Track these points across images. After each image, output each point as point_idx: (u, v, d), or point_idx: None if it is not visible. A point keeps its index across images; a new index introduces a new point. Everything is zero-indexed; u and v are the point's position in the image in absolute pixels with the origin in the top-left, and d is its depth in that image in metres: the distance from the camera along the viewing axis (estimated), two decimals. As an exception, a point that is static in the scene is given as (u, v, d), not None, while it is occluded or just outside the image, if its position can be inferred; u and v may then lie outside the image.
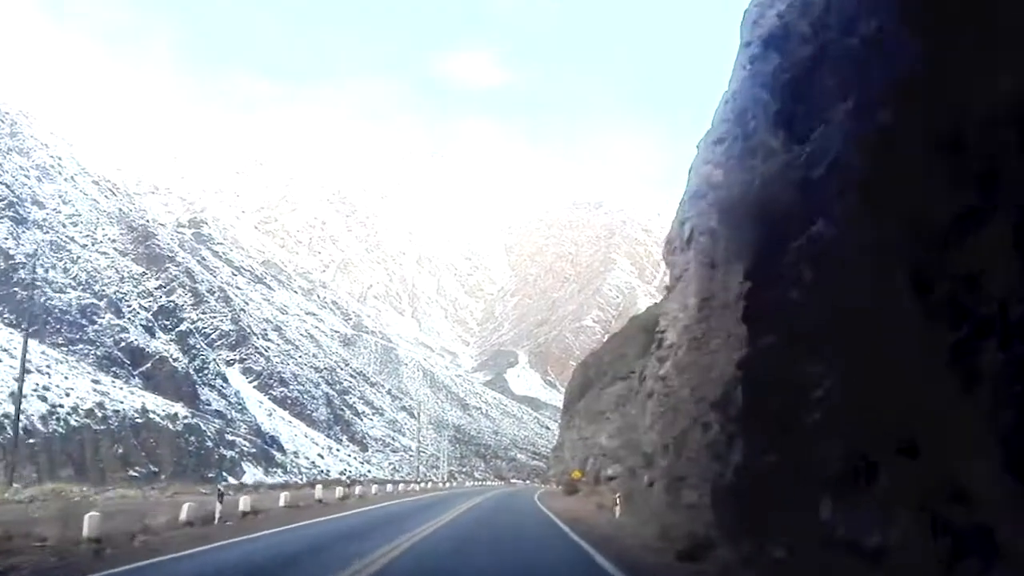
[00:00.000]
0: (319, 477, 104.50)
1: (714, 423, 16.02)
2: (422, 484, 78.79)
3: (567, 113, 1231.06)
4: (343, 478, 75.08)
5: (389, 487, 59.01)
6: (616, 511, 26.81)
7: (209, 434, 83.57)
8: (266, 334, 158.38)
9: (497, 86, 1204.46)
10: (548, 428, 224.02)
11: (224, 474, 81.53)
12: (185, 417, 79.91)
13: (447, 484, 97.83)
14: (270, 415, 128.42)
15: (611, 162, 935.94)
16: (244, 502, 25.41)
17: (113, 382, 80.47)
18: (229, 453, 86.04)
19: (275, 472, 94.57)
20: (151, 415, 74.68)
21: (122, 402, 73.48)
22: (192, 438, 78.83)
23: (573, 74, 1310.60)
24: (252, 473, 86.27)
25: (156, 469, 70.39)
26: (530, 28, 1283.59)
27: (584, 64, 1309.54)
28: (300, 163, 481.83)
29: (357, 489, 48.37)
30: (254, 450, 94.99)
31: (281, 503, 30.29)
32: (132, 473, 67.50)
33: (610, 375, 54.56)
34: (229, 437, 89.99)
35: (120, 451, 68.90)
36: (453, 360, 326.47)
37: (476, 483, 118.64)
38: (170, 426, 75.82)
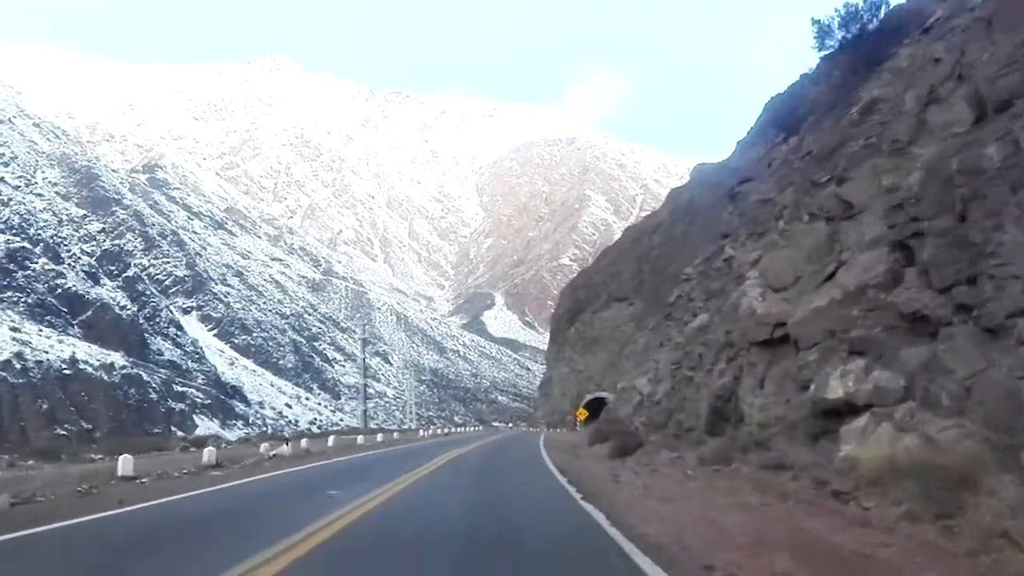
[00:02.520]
0: (285, 428, 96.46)
1: None
2: (364, 438, 48.73)
3: (538, 46, 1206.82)
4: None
5: (304, 443, 30.55)
6: None
7: (154, 385, 74.49)
8: (225, 279, 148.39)
9: (461, 21, 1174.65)
10: (529, 369, 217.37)
11: (173, 428, 72.85)
12: (123, 367, 70.67)
13: (416, 434, 64.19)
14: (232, 364, 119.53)
15: (583, 98, 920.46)
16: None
17: (40, 331, 70.94)
18: (178, 405, 77.07)
19: (234, 424, 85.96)
20: (82, 366, 65.42)
21: (46, 352, 64.13)
22: (132, 390, 69.78)
23: (537, 7, 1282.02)
24: (206, 426, 77.52)
25: (89, 426, 61.49)
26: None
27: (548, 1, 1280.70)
28: (261, 108, 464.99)
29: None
30: (208, 401, 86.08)
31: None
32: (60, 431, 58.60)
33: (604, 297, 45.91)
34: (179, 388, 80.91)
35: (45, 407, 59.82)
36: (428, 304, 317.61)
37: (453, 430, 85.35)
38: (105, 377, 66.63)
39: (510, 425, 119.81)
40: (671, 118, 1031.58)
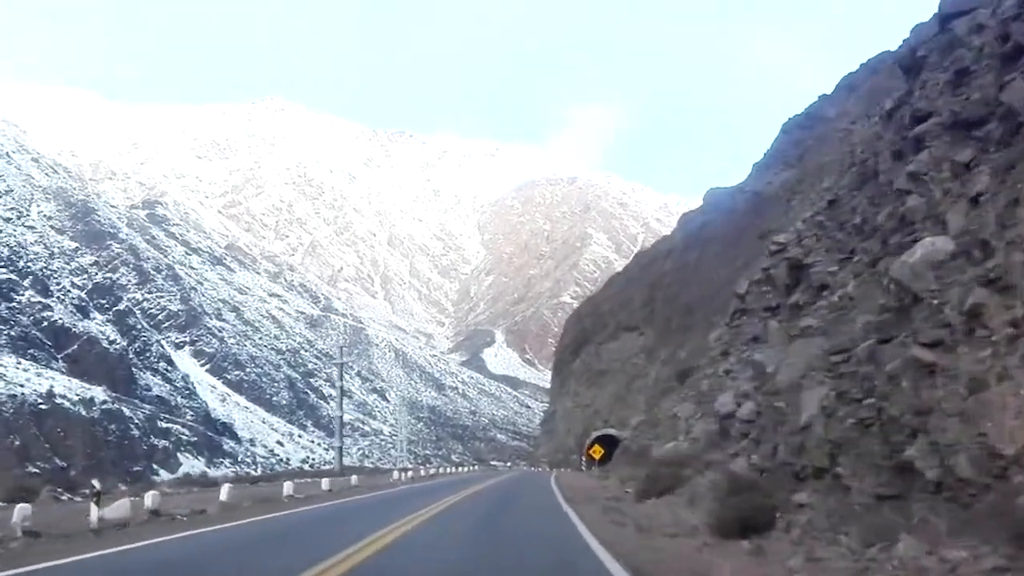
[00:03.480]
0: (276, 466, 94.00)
1: None
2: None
3: (539, 87, 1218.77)
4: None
5: (151, 499, 17.36)
6: None
7: (136, 421, 71.97)
8: (220, 314, 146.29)
9: (463, 62, 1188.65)
10: (528, 407, 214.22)
11: (155, 467, 70.26)
12: (104, 402, 68.22)
13: (389, 477, 48.60)
14: (223, 400, 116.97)
15: (584, 138, 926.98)
16: None
17: (18, 363, 68.67)
18: (162, 443, 74.48)
19: (221, 463, 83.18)
20: (59, 400, 63.00)
21: (22, 386, 61.79)
22: (112, 426, 67.28)
23: (538, 48, 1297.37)
24: (191, 465, 74.86)
25: (64, 463, 58.94)
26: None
27: (549, 41, 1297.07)
28: (264, 147, 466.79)
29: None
30: (195, 439, 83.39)
31: None
32: (32, 469, 56.01)
33: (612, 326, 43.61)
34: (163, 424, 78.33)
35: (17, 443, 57.31)
36: (428, 341, 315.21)
37: (446, 470, 72.59)
38: (84, 412, 64.15)
39: (508, 464, 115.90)
40: (672, 156, 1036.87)
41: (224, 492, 21.31)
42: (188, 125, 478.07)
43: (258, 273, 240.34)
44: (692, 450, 21.20)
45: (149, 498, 17.31)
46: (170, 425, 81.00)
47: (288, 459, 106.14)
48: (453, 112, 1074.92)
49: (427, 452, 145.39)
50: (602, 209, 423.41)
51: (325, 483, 30.33)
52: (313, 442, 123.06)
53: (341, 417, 53.42)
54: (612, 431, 46.28)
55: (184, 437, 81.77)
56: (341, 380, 54.78)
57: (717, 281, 42.71)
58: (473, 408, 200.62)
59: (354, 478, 38.47)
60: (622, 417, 44.65)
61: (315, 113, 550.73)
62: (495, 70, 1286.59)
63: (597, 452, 37.99)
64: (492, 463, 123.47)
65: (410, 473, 51.99)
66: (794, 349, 15.47)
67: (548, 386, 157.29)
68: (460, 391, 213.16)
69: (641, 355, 47.54)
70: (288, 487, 25.56)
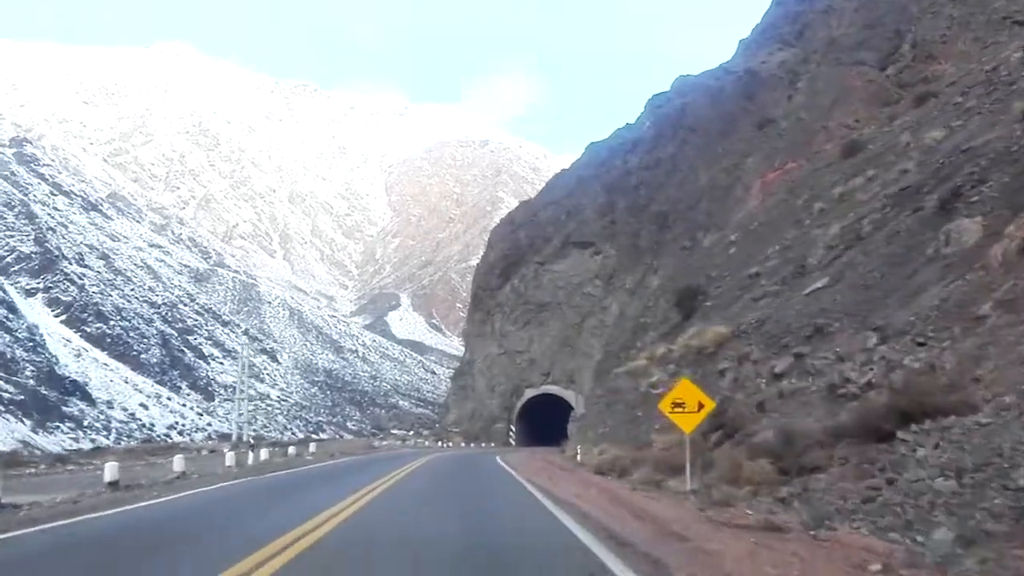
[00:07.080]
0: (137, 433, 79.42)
1: None
2: None
3: (451, 46, 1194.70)
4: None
5: None
6: None
7: (-67, 373, 56.32)
8: (83, 260, 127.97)
9: (373, 15, 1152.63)
10: (434, 373, 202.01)
11: (-43, 431, 54.90)
12: None
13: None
14: (78, 356, 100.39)
15: (497, 100, 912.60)
16: None
17: None
18: (-31, 400, 58.97)
19: (56, 427, 67.89)
20: None
21: None
22: None
23: (452, 7, 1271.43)
24: (10, 429, 59.58)
25: None
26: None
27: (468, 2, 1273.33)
28: (157, 94, 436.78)
29: None
30: (21, 397, 67.73)
31: None
32: None
33: (557, 241, 31.60)
34: (-25, 378, 62.62)
35: None
36: (330, 304, 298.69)
37: (316, 446, 46.60)
38: None
39: (411, 432, 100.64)
40: (586, 123, 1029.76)
41: None
42: (74, 68, 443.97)
43: (139, 223, 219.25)
44: None
45: None
46: (-14, 380, 65.41)
47: (152, 424, 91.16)
48: (361, 67, 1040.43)
49: (320, 419, 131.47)
50: (514, 173, 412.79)
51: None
52: (185, 406, 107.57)
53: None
54: (554, 389, 34.51)
55: (6, 395, 66.26)
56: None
57: (702, 183, 31.24)
58: (374, 373, 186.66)
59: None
60: (569, 370, 33.00)
61: (213, 60, 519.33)
62: (406, 26, 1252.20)
63: (698, 406, 13.93)
64: (393, 432, 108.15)
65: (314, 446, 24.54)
66: None
67: (456, 352, 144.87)
68: (360, 355, 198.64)
69: (597, 282, 35.99)
70: None
